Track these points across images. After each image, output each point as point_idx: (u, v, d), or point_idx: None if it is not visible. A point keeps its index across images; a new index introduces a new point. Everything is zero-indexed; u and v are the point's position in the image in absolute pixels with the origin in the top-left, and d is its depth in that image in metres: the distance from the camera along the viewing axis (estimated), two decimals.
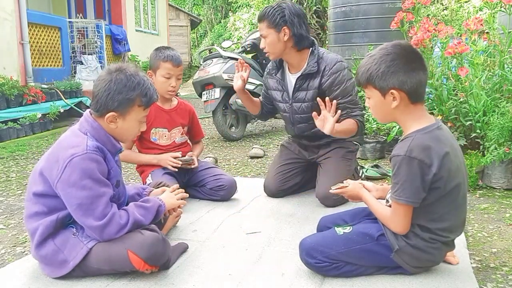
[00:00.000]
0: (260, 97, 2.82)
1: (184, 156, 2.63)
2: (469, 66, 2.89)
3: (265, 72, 2.76)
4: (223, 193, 2.58)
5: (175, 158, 2.57)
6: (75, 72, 7.52)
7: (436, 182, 1.49)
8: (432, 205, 1.52)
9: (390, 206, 1.60)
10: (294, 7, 2.44)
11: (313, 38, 2.53)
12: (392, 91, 1.51)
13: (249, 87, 4.87)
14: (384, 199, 1.73)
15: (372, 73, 1.52)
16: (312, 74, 2.44)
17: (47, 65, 7.01)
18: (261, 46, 2.50)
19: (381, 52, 1.53)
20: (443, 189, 1.50)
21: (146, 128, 2.49)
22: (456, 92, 3.04)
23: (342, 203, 2.46)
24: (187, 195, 1.99)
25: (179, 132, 2.69)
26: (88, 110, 1.72)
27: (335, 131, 2.21)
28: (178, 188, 1.99)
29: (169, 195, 1.91)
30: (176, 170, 2.57)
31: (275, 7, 2.41)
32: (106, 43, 8.50)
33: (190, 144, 2.84)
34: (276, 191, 2.66)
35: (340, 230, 1.65)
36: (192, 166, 2.62)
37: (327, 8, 6.56)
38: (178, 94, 10.91)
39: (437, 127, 1.54)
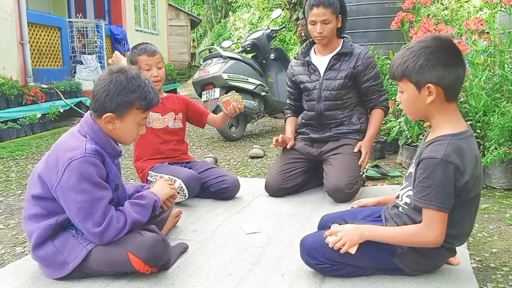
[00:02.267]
0: (288, 100, 2.97)
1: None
2: (469, 66, 2.88)
3: (291, 62, 2.89)
4: (228, 194, 2.62)
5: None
6: (75, 72, 7.52)
7: (464, 190, 1.45)
8: (450, 210, 1.47)
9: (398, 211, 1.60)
10: None
11: None
12: (428, 85, 1.44)
13: (249, 87, 4.88)
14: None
15: (409, 66, 1.46)
16: (346, 54, 2.66)
17: (46, 65, 7.00)
18: (318, 30, 2.60)
19: (420, 45, 1.46)
20: (466, 197, 1.47)
21: None
22: None
23: (348, 200, 2.47)
24: (176, 187, 1.97)
25: (171, 118, 2.73)
26: (89, 111, 1.71)
27: (370, 143, 2.68)
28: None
29: (161, 185, 1.87)
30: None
31: None
32: (106, 43, 8.49)
33: (186, 142, 2.88)
34: (277, 189, 2.66)
35: None
36: (240, 106, 2.63)
37: None
38: (178, 94, 10.90)
39: (470, 134, 1.50)
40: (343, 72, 2.64)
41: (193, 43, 19.93)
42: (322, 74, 2.70)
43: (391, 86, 4.31)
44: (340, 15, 2.64)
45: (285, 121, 3.00)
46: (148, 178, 2.58)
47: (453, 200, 1.45)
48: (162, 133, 2.69)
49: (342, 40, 2.73)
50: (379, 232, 1.56)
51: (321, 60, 2.73)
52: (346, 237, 1.55)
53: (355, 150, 2.63)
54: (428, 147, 1.48)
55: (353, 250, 1.55)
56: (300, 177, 2.71)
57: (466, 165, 1.43)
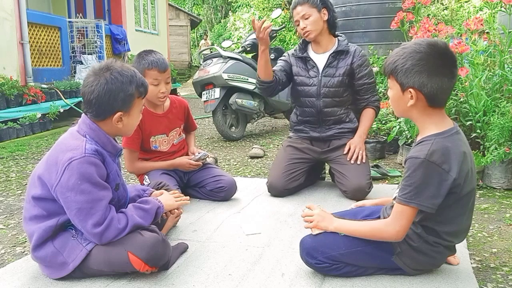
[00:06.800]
0: (275, 68, 2.81)
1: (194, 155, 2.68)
2: (469, 66, 2.89)
3: (289, 54, 2.84)
4: (223, 194, 2.59)
5: (191, 159, 2.61)
6: (75, 72, 7.53)
7: (455, 187, 1.46)
8: (446, 208, 1.49)
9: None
10: None
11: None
12: (410, 89, 1.48)
13: (249, 87, 4.88)
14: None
15: (398, 66, 1.49)
16: (344, 52, 2.69)
17: (47, 65, 7.01)
18: (302, 26, 2.65)
19: (414, 47, 1.48)
20: (459, 193, 1.48)
21: (145, 138, 2.51)
22: (456, 92, 3.04)
23: (363, 198, 2.48)
24: (188, 199, 1.98)
25: (176, 134, 2.65)
26: (83, 113, 1.68)
27: (361, 139, 2.68)
28: (179, 192, 1.99)
29: (168, 197, 1.90)
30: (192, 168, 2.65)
31: None
32: (106, 43, 8.50)
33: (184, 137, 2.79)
34: (283, 190, 2.65)
35: None
36: (208, 159, 2.75)
37: None
38: (178, 94, 10.88)
39: (456, 131, 1.51)
40: (341, 69, 2.66)
41: (206, 39, 19.75)
42: (320, 71, 2.71)
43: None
44: (324, 8, 2.65)
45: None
46: (144, 182, 2.52)
47: (436, 200, 1.45)
48: (168, 153, 2.62)
49: (337, 39, 2.74)
50: (346, 226, 1.62)
51: (319, 58, 2.73)
52: (317, 218, 1.64)
53: (345, 150, 2.64)
54: (414, 147, 1.52)
55: (315, 232, 1.64)
56: (303, 176, 2.72)
57: (452, 163, 1.44)
